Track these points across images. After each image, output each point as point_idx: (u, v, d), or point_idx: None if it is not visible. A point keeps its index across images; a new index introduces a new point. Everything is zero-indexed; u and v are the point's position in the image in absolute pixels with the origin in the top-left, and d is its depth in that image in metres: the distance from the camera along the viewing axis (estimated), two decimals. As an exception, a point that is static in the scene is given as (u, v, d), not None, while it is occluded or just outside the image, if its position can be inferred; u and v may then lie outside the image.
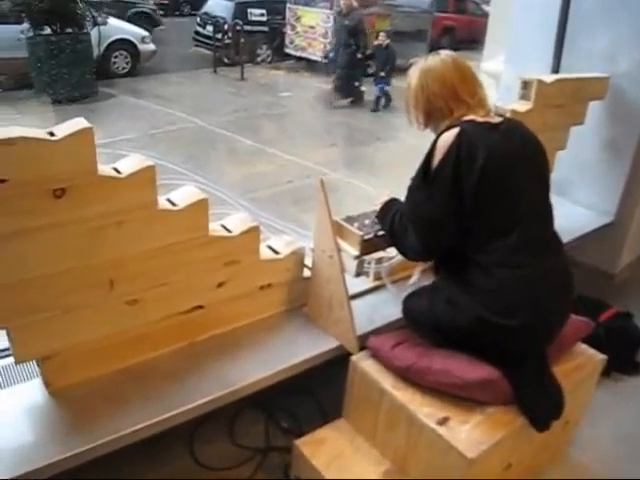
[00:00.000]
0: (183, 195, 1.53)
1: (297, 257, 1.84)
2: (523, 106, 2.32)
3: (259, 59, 11.39)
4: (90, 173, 1.30)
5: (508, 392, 1.46)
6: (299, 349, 1.74)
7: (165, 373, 1.60)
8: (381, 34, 9.13)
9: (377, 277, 2.06)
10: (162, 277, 1.54)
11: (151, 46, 9.90)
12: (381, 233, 1.69)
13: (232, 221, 1.69)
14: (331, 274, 1.72)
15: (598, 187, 2.95)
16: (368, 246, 1.68)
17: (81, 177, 1.29)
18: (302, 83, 10.34)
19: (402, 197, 1.67)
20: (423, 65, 1.60)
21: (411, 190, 1.57)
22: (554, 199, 1.61)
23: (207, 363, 1.65)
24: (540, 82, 2.34)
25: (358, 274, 1.67)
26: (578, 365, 1.70)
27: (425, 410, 1.48)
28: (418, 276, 2.02)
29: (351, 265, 1.66)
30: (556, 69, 2.95)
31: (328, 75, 9.75)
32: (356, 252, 1.65)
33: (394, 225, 1.63)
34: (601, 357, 1.77)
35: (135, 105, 7.96)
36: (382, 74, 8.67)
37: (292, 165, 5.92)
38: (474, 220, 1.45)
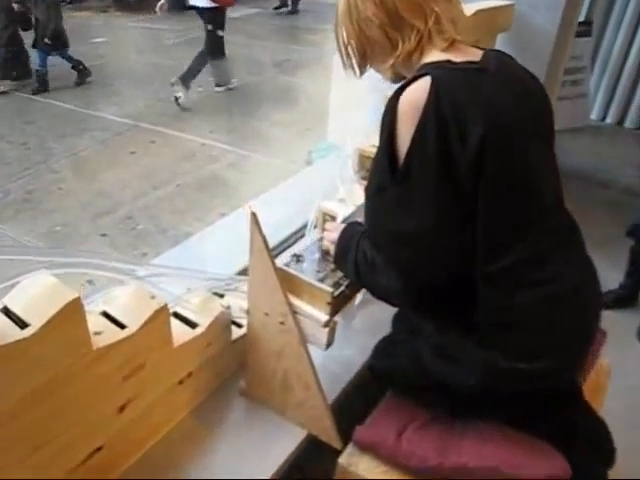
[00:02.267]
0: (36, 300, 0.87)
1: (221, 324, 1.27)
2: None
3: (55, -1, 9.61)
4: None
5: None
6: (250, 458, 1.19)
7: None
8: None
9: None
10: (33, 438, 0.90)
11: None
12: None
13: (123, 304, 1.06)
14: (284, 346, 1.19)
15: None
16: (340, 303, 1.16)
17: None
18: (115, 25, 8.96)
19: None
20: None
21: (372, 195, 1.03)
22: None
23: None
24: (460, 18, 1.92)
25: (329, 344, 1.16)
26: (597, 384, 1.40)
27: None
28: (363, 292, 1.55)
29: (316, 331, 1.14)
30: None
31: (144, 13, 8.54)
32: (325, 316, 1.12)
33: (359, 266, 1.08)
34: (607, 363, 1.50)
35: None
36: (46, 40, 5.80)
37: (133, 132, 4.99)
38: (475, 225, 0.96)
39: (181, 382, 1.21)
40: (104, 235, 3.31)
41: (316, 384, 1.18)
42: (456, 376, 1.05)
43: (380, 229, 1.03)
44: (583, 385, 1.26)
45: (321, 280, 1.18)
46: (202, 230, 2.16)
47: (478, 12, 1.99)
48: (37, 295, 0.87)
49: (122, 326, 1.03)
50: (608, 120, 4.87)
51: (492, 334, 1.02)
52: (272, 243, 1.89)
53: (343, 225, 1.20)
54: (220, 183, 4.04)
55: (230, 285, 1.36)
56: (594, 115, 4.89)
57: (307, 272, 1.19)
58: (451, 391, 1.08)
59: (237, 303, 1.35)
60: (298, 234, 2.11)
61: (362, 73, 1.14)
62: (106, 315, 1.05)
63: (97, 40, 7.93)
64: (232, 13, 10.00)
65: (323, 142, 3.54)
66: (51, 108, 5.45)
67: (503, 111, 0.97)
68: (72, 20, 8.97)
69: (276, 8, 10.34)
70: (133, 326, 1.02)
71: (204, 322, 1.22)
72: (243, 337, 1.33)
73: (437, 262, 0.98)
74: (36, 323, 0.84)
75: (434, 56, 1.01)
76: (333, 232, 1.20)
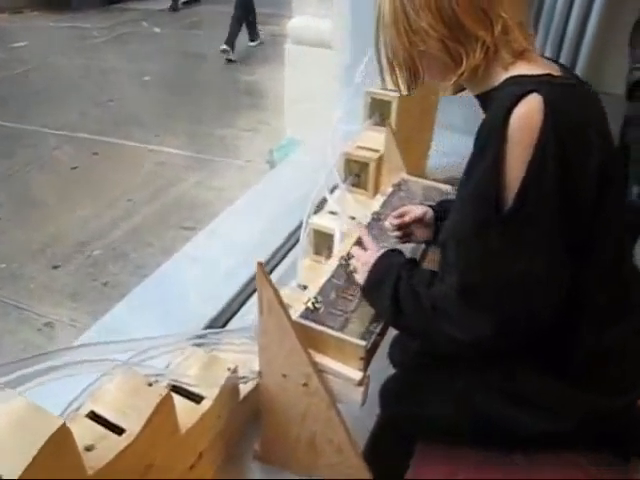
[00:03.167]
0: (11, 435, 0.67)
1: (229, 392, 1.08)
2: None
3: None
4: None
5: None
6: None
7: None
8: None
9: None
10: None
11: None
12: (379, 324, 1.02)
13: (116, 400, 0.87)
14: (308, 408, 1.02)
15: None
16: (372, 354, 1.00)
17: None
18: (34, 26, 8.31)
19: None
20: None
21: (473, 234, 0.86)
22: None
23: None
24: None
25: (364, 402, 1.00)
26: None
27: None
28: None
29: (348, 390, 0.97)
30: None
31: (71, 11, 7.98)
32: (358, 373, 0.96)
33: (401, 304, 0.93)
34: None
35: None
36: None
37: (71, 144, 4.61)
38: (585, 261, 0.87)
39: (192, 467, 1.03)
40: (56, 267, 3.02)
41: (351, 446, 1.03)
42: (544, 423, 0.93)
43: (481, 273, 0.86)
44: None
45: (344, 324, 1.01)
46: (165, 262, 1.90)
47: None
48: (11, 428, 0.67)
49: (119, 429, 0.83)
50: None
51: (585, 374, 0.93)
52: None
53: (379, 250, 1.06)
54: (175, 192, 3.77)
55: (220, 340, 1.17)
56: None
57: (326, 319, 1.02)
58: (523, 438, 0.96)
59: (235, 358, 1.16)
60: (281, 251, 1.94)
61: (411, 91, 0.97)
62: (96, 417, 0.85)
63: (17, 44, 7.35)
64: (165, 3, 9.46)
65: (284, 139, 3.34)
66: (-23, 126, 4.99)
67: (606, 133, 0.88)
68: (-15, 23, 8.33)
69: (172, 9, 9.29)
70: (134, 428, 0.83)
71: (210, 394, 1.03)
72: (252, 391, 1.16)
73: (545, 308, 0.84)
74: (17, 468, 0.64)
75: (520, 68, 0.86)
76: (365, 255, 1.07)
